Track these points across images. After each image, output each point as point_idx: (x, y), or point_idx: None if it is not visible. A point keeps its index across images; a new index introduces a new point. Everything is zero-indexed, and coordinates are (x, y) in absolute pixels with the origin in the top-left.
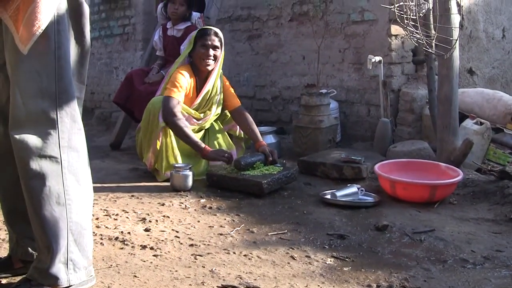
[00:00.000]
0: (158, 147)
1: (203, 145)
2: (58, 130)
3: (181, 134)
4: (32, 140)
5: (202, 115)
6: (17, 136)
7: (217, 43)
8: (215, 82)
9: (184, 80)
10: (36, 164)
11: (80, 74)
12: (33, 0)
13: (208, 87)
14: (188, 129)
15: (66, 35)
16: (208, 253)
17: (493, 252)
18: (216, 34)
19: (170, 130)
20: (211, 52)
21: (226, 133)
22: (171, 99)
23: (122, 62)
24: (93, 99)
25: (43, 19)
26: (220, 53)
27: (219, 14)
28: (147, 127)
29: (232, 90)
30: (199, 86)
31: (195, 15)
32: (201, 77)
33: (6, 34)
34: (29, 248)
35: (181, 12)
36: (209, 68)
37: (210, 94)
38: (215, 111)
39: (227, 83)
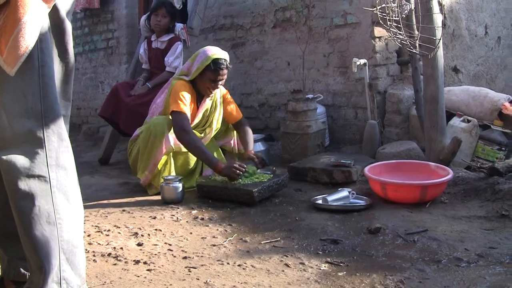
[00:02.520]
0: (159, 167)
1: (215, 160)
2: (45, 149)
3: (195, 151)
4: (20, 160)
5: (202, 134)
6: (4, 157)
7: (226, 75)
8: (214, 96)
9: (188, 96)
10: (24, 184)
11: (65, 92)
12: (18, 22)
13: (206, 104)
14: (202, 144)
15: (50, 53)
16: (202, 265)
17: (487, 249)
18: (227, 67)
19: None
20: (219, 83)
21: (219, 148)
22: (181, 114)
23: (107, 76)
24: (80, 115)
25: (29, 40)
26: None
27: (202, 24)
28: (146, 146)
29: (232, 101)
30: (198, 101)
31: (178, 26)
32: (200, 92)
33: None
34: (21, 269)
35: (164, 24)
36: (212, 95)
37: (210, 109)
38: (216, 126)
39: (228, 95)
